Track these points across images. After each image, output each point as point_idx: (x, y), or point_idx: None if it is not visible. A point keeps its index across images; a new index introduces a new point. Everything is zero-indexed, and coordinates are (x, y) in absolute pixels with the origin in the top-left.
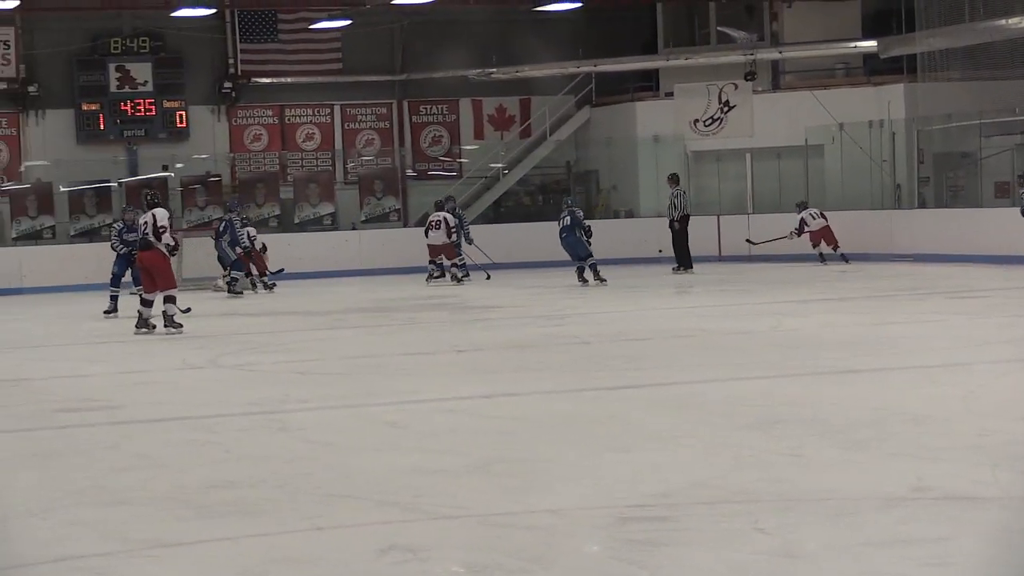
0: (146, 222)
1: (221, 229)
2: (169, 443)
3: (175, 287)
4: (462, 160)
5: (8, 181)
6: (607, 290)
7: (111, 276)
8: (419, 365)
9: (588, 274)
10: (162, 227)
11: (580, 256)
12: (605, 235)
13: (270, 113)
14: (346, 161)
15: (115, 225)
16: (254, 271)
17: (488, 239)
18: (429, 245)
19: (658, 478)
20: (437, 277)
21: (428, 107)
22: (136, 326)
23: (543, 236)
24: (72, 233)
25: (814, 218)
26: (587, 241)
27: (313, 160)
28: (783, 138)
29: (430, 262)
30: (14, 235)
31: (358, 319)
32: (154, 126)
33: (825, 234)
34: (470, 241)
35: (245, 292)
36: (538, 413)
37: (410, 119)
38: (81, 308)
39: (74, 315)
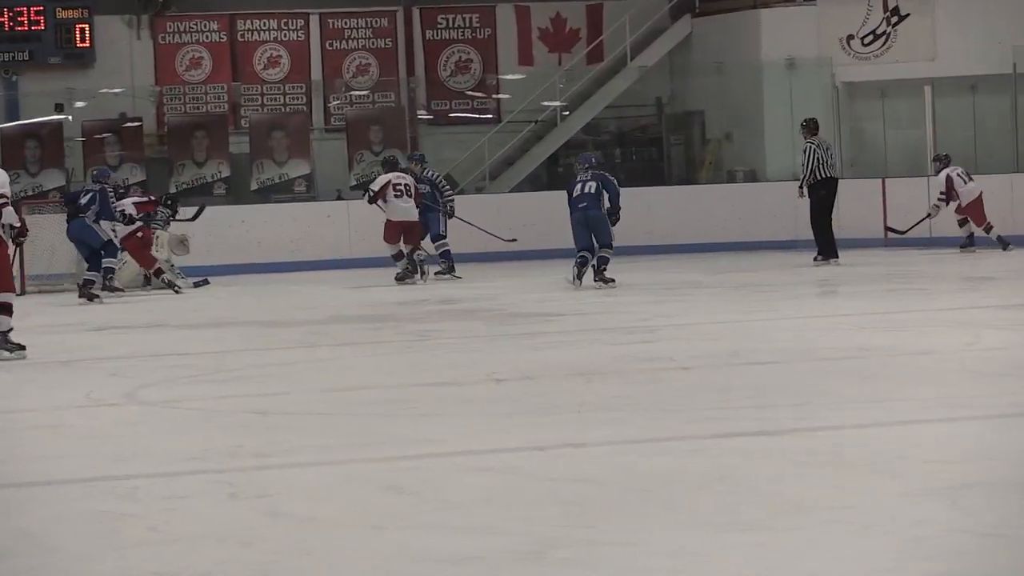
0: None
1: (84, 203)
2: (67, 517)
3: (13, 291)
4: (500, 96)
5: None
6: (716, 294)
7: None
8: (437, 402)
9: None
10: (2, 196)
11: (602, 242)
12: (713, 207)
13: (215, 27)
14: (328, 98)
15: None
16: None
17: (537, 211)
18: (394, 222)
19: (797, 571)
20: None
21: (450, 17)
22: None
23: (625, 209)
24: None
25: (964, 181)
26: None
27: (279, 97)
28: (980, 63)
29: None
30: None
31: (345, 333)
32: (43, 46)
33: (977, 208)
34: (451, 214)
35: (125, 291)
36: (614, 473)
37: (423, 35)
38: None
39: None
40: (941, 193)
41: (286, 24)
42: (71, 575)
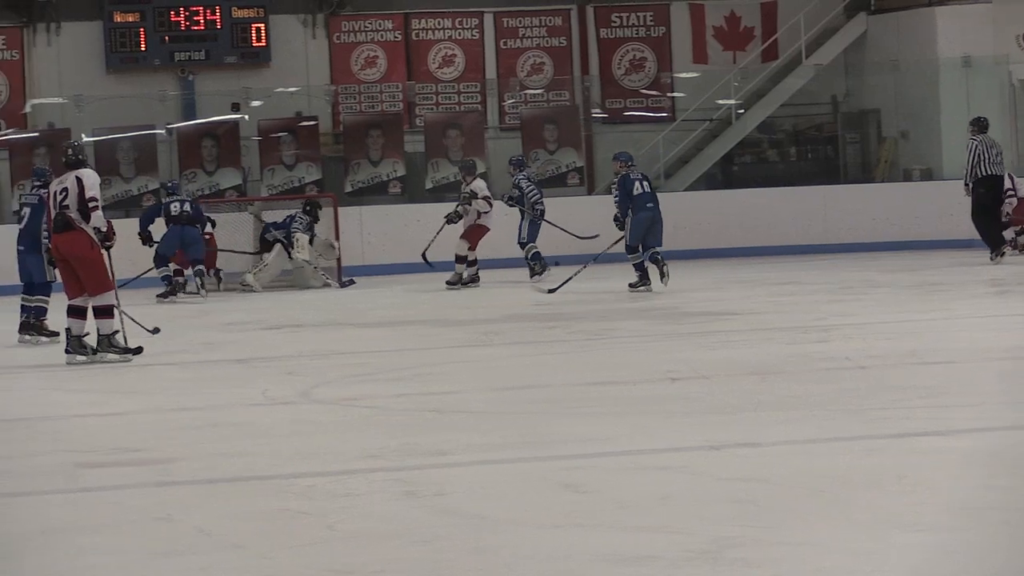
0: (65, 190)
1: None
2: (244, 515)
3: (113, 289)
4: (675, 95)
5: (7, 128)
6: (891, 293)
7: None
8: (612, 400)
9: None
10: (91, 199)
11: (659, 242)
12: (889, 206)
13: (390, 25)
14: (502, 97)
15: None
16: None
17: (711, 210)
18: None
19: (973, 572)
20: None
21: (624, 15)
22: (66, 350)
23: (797, 207)
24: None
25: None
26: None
27: (454, 96)
28: None
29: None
30: (16, 207)
31: (519, 331)
32: (219, 45)
33: None
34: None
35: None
36: (790, 472)
37: (598, 34)
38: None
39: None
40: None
41: (460, 23)
42: (250, 572)
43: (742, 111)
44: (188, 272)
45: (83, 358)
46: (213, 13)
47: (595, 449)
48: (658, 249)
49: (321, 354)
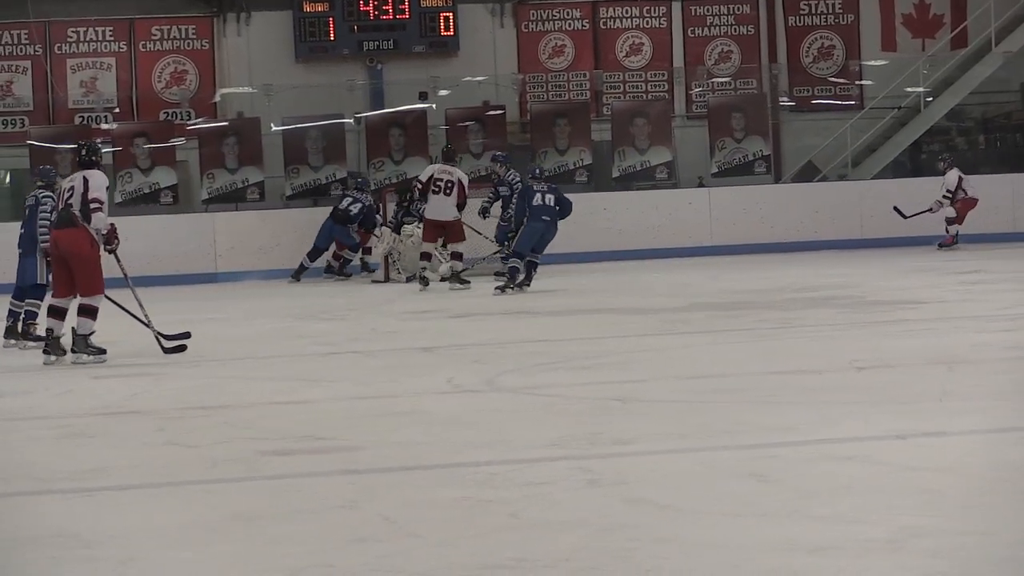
0: (72, 188)
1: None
2: (428, 502)
3: (101, 293)
4: (863, 82)
5: (198, 117)
6: None
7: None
8: (797, 389)
9: None
10: (94, 200)
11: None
12: None
13: (578, 14)
14: (690, 85)
15: (358, 180)
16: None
17: (899, 198)
18: (429, 220)
19: None
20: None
21: (813, 2)
22: (44, 350)
23: (985, 195)
24: (288, 193)
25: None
26: None
27: (641, 84)
28: None
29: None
30: (205, 195)
31: (705, 320)
32: (407, 35)
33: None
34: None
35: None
36: (978, 463)
37: (786, 21)
38: (298, 302)
39: (289, 312)
40: (949, 191)
41: (648, 11)
42: (433, 560)
43: (931, 99)
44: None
45: (54, 358)
46: (402, 2)
47: (779, 438)
48: (537, 260)
49: (505, 342)
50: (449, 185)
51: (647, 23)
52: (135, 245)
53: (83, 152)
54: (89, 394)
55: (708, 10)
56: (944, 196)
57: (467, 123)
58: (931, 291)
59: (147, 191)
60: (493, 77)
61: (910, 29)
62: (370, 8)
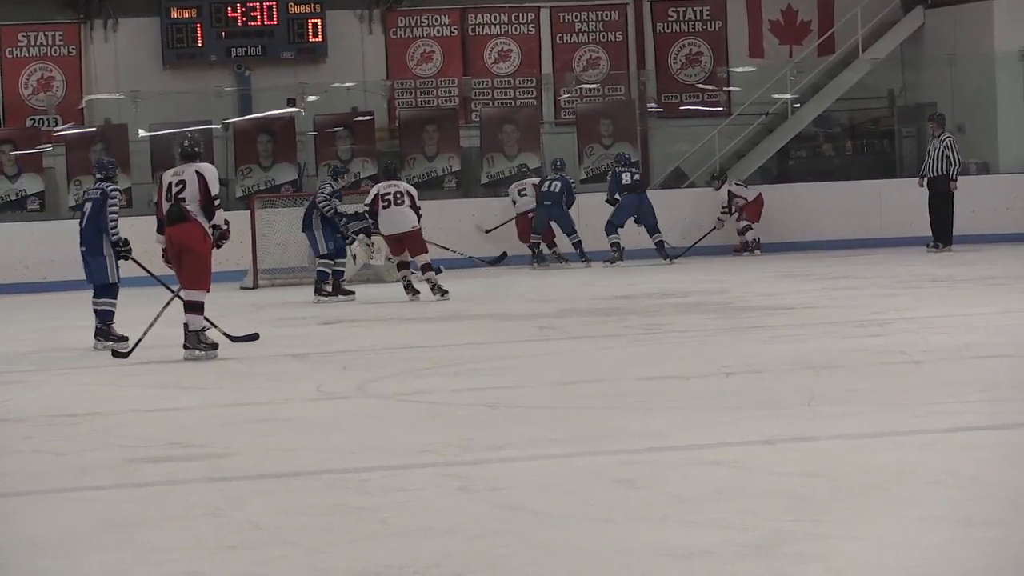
0: (182, 182)
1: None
2: (298, 509)
3: (207, 290)
4: (731, 89)
5: (64, 124)
6: (947, 287)
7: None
8: (666, 395)
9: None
10: (216, 196)
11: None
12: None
13: (446, 20)
14: (558, 91)
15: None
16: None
17: (766, 204)
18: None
19: None
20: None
21: (681, 9)
22: (184, 345)
23: (854, 203)
24: (154, 199)
25: (744, 188)
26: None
27: (509, 91)
28: None
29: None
30: (73, 202)
31: (574, 325)
32: (276, 41)
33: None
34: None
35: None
36: (846, 467)
37: (654, 28)
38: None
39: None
40: (724, 207)
41: (516, 18)
42: (304, 567)
43: (798, 105)
44: None
45: (201, 353)
46: (270, 9)
47: (649, 444)
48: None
49: (375, 349)
50: (399, 196)
51: (516, 30)
52: (3, 253)
53: (186, 144)
54: None
55: (576, 17)
56: (722, 212)
57: (335, 129)
58: (800, 297)
59: (14, 198)
60: (362, 83)
61: (777, 35)
62: (238, 15)
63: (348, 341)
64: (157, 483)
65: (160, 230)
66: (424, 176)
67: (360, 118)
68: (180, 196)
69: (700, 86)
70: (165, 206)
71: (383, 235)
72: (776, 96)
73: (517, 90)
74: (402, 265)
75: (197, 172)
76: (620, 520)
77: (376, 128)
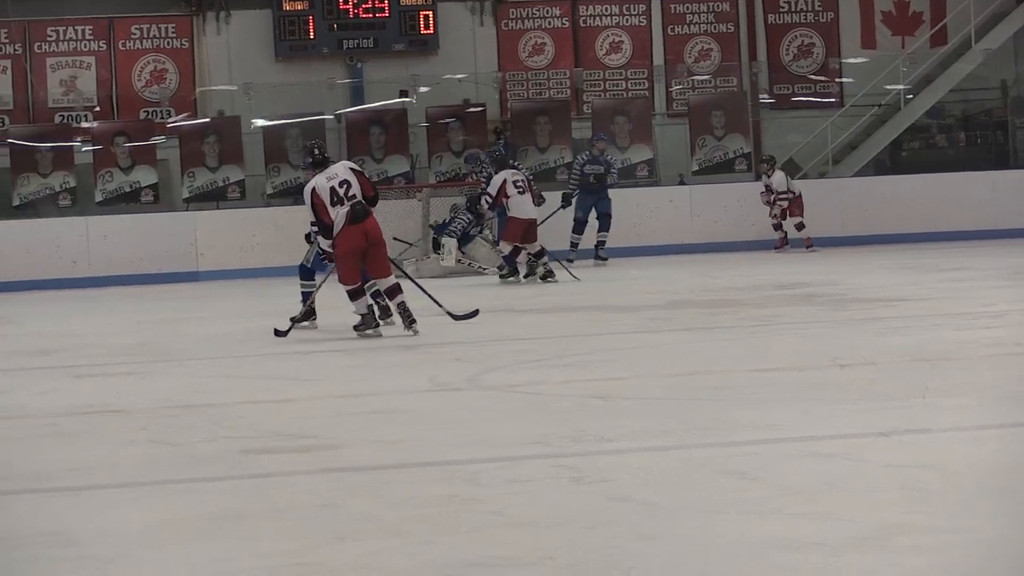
0: (346, 182)
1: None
2: (410, 501)
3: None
4: (843, 80)
5: (177, 115)
6: None
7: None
8: (779, 387)
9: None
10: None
11: None
12: None
13: (557, 12)
14: (670, 83)
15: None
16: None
17: (879, 196)
18: (519, 220)
19: None
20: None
21: (792, 1)
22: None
23: (967, 194)
24: (269, 191)
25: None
26: None
27: (620, 82)
28: None
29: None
30: (186, 194)
31: (687, 317)
32: (387, 33)
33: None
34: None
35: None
36: (960, 460)
37: (765, 19)
38: (281, 303)
39: (273, 312)
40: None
41: (628, 9)
42: (416, 559)
43: (911, 96)
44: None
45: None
46: (382, 1)
47: (762, 435)
48: None
49: (487, 340)
50: (530, 182)
51: (627, 21)
52: (117, 244)
53: (316, 152)
54: (71, 393)
55: (688, 8)
56: (780, 197)
57: (447, 121)
58: (913, 289)
59: (128, 190)
60: (473, 75)
61: (889, 27)
62: (349, 7)
63: (460, 333)
64: (270, 474)
65: (328, 235)
66: (536, 168)
67: (472, 110)
68: (351, 195)
69: (812, 77)
70: (334, 212)
71: (517, 219)
72: (889, 87)
73: (629, 81)
74: (514, 252)
75: (352, 170)
76: (732, 512)
77: (488, 120)
